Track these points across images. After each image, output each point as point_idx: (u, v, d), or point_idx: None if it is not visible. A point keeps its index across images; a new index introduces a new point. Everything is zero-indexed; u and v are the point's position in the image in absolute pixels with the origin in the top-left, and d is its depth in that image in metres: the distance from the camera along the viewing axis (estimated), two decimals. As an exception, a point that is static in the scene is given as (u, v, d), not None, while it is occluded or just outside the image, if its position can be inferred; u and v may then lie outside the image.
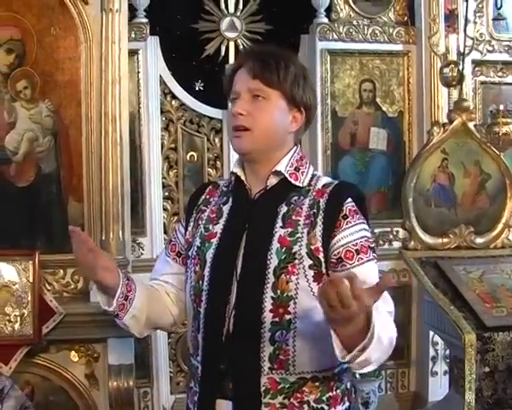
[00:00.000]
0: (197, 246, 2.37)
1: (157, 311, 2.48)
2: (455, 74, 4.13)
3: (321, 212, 2.25)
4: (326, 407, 2.25)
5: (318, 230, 2.22)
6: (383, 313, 2.09)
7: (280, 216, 2.27)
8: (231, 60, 5.32)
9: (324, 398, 2.25)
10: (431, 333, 5.18)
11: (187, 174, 5.35)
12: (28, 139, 4.05)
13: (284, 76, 2.31)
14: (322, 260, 2.21)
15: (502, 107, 3.98)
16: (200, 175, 5.35)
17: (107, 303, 2.34)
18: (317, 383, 2.24)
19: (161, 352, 5.21)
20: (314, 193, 2.31)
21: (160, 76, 5.21)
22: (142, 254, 5.08)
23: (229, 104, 2.42)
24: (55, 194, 4.11)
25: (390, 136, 5.44)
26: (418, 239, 4.16)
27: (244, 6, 5.41)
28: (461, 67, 4.11)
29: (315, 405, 2.23)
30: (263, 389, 2.20)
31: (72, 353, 4.10)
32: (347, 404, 2.35)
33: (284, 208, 2.29)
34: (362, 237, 2.24)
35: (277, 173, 2.34)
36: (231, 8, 5.40)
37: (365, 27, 5.34)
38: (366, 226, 2.29)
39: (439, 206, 4.24)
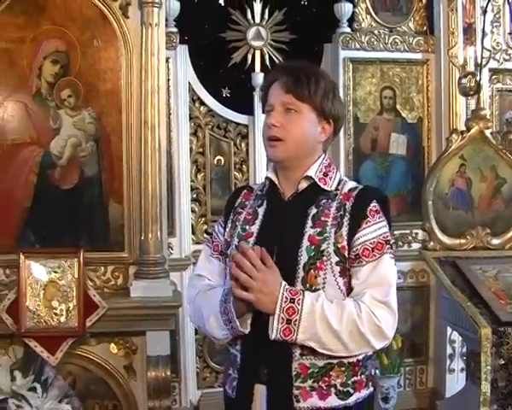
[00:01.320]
0: (235, 245, 2.56)
1: None
2: (472, 85, 4.33)
3: (347, 213, 2.46)
4: (352, 391, 2.45)
5: (344, 230, 2.44)
6: (354, 301, 2.37)
7: (310, 217, 2.48)
8: (257, 68, 5.55)
9: (350, 382, 2.45)
10: (448, 331, 5.38)
11: (214, 178, 5.58)
12: (72, 145, 4.28)
13: (315, 91, 2.50)
14: (347, 257, 2.43)
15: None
16: (226, 178, 5.57)
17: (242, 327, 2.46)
18: (343, 369, 2.43)
19: (189, 348, 5.42)
20: (341, 196, 2.52)
21: (189, 83, 5.43)
22: (171, 253, 5.23)
23: (265, 115, 2.62)
24: (97, 196, 4.33)
25: (409, 141, 5.65)
26: (437, 240, 4.36)
27: (270, 16, 5.62)
28: (478, 78, 4.31)
29: (341, 388, 2.44)
30: (294, 373, 2.41)
31: (112, 345, 4.33)
32: (371, 389, 2.56)
33: (314, 210, 2.50)
34: (379, 235, 2.46)
35: (308, 178, 2.55)
36: (257, 18, 5.61)
37: (386, 37, 5.55)
38: (386, 224, 2.50)
39: (457, 208, 4.44)
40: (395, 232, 5.59)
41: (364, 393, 2.51)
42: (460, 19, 4.64)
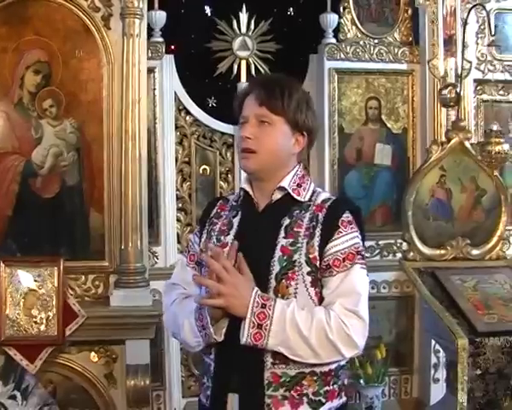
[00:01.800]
0: (210, 255, 2.57)
1: None
2: (453, 96, 4.36)
3: (319, 224, 2.48)
4: (323, 400, 2.47)
5: (316, 240, 2.46)
6: (325, 309, 2.40)
7: (283, 228, 2.51)
8: (243, 78, 5.56)
9: (322, 391, 2.47)
10: (433, 341, 5.40)
11: (199, 187, 5.57)
12: (53, 154, 4.33)
13: (288, 103, 2.53)
14: (318, 267, 2.45)
15: (495, 127, 4.19)
16: (212, 188, 5.57)
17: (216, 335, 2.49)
18: (315, 378, 2.45)
19: (173, 357, 5.40)
20: (314, 207, 2.54)
21: (175, 93, 5.43)
22: (156, 262, 5.27)
23: (239, 127, 2.64)
24: (78, 205, 4.37)
25: (394, 151, 5.65)
26: (417, 250, 4.38)
27: (256, 26, 5.63)
28: (458, 89, 4.34)
29: (313, 397, 2.45)
30: (266, 382, 2.42)
31: (92, 354, 4.37)
32: (344, 399, 2.58)
33: (287, 221, 2.52)
34: (351, 245, 2.47)
35: (281, 189, 2.57)
36: (243, 29, 5.62)
37: (371, 47, 5.56)
38: (358, 235, 2.52)
39: (437, 219, 4.46)
40: (380, 242, 5.63)
41: (337, 403, 2.53)
42: (440, 30, 4.67)
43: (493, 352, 3.88)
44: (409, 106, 5.66)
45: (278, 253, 2.46)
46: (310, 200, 2.58)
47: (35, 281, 4.14)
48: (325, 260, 2.44)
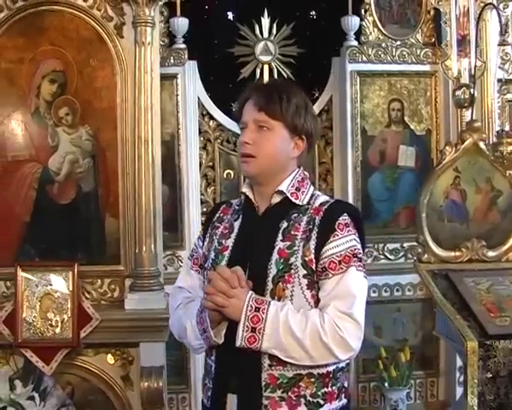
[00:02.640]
0: (212, 258, 2.65)
1: None
2: (467, 96, 4.32)
3: (315, 227, 2.52)
4: (322, 402, 2.50)
5: (312, 243, 2.49)
6: (319, 312, 2.43)
7: (281, 231, 2.55)
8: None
9: (320, 393, 2.50)
10: (459, 343, 5.36)
11: (224, 191, 5.64)
12: (69, 161, 4.43)
13: (286, 108, 2.57)
14: (315, 270, 2.49)
15: (507, 127, 4.14)
16: (236, 192, 5.54)
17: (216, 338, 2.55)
18: (313, 379, 2.48)
19: (198, 359, 5.41)
20: (312, 211, 2.58)
21: (198, 98, 5.52)
22: (180, 266, 5.31)
23: (240, 132, 2.70)
24: (94, 210, 4.46)
25: (418, 153, 5.62)
26: (431, 252, 4.34)
27: (278, 30, 5.68)
28: (472, 90, 4.30)
29: (311, 399, 2.48)
30: (263, 383, 2.46)
31: (109, 356, 4.45)
32: (344, 401, 2.60)
33: (285, 224, 2.56)
34: (347, 248, 2.50)
35: (280, 193, 2.61)
36: (265, 33, 5.68)
37: (393, 49, 5.54)
38: (355, 238, 2.54)
39: (452, 221, 4.40)
40: (404, 245, 5.60)
41: (336, 405, 2.55)
42: (454, 31, 4.63)
43: (504, 355, 3.82)
44: (432, 107, 5.62)
45: (275, 256, 2.50)
46: (308, 203, 2.61)
47: (50, 285, 4.23)
48: (321, 262, 2.47)
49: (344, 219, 2.54)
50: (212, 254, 2.65)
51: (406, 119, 5.61)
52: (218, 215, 2.77)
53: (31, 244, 4.43)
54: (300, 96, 2.66)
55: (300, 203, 2.60)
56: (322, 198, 2.65)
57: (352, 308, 2.44)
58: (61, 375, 4.39)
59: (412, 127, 5.63)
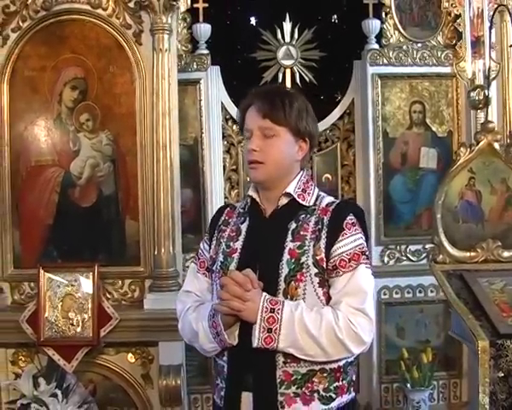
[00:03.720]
0: (220, 261, 2.71)
1: None
2: (481, 98, 4.32)
3: (325, 227, 2.61)
4: (334, 396, 2.59)
5: (322, 243, 2.58)
6: (332, 309, 2.51)
7: (290, 231, 2.63)
8: (288, 86, 5.65)
9: (332, 387, 2.59)
10: (483, 345, 5.34)
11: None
12: (90, 165, 4.56)
13: (289, 113, 2.65)
14: (325, 268, 2.58)
15: (521, 128, 4.15)
16: (259, 194, 5.69)
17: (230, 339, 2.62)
18: (325, 374, 2.57)
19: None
20: (319, 211, 2.66)
21: (222, 103, 5.60)
22: (203, 267, 5.41)
23: (244, 139, 2.80)
24: (114, 213, 4.58)
25: (440, 155, 5.61)
26: (446, 253, 4.35)
27: (299, 35, 5.74)
28: (487, 91, 4.30)
29: (324, 393, 2.57)
30: (278, 380, 2.54)
31: (130, 355, 4.57)
32: (353, 394, 2.69)
33: (293, 225, 2.64)
34: (356, 246, 2.60)
35: (287, 195, 2.69)
36: (287, 38, 5.73)
37: (414, 51, 5.55)
38: (362, 236, 2.64)
39: (467, 222, 4.41)
40: (426, 246, 5.60)
41: (346, 398, 2.65)
42: (468, 32, 4.64)
43: (516, 354, 3.85)
44: (453, 109, 5.62)
45: (286, 256, 2.58)
46: (315, 204, 2.69)
47: (72, 285, 4.36)
48: (331, 261, 2.56)
49: (351, 218, 2.63)
50: (221, 257, 2.72)
51: (428, 121, 5.62)
52: (223, 218, 2.84)
53: (53, 246, 4.56)
54: (301, 100, 2.73)
55: (307, 204, 2.68)
56: (328, 199, 2.74)
57: (364, 304, 2.54)
58: (84, 373, 4.51)
59: (434, 129, 5.63)
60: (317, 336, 2.47)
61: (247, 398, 2.59)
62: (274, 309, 2.48)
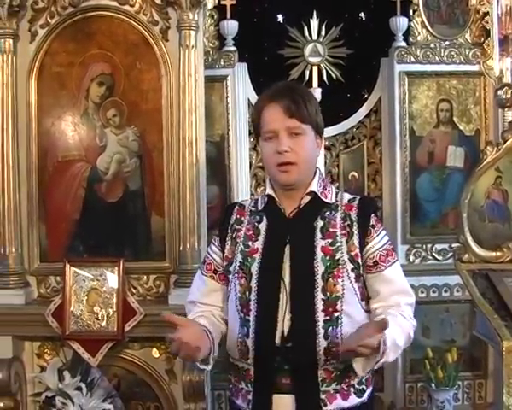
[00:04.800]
0: (240, 261, 2.69)
1: (219, 339, 2.78)
2: (509, 96, 4.30)
3: (354, 223, 2.65)
4: (365, 388, 2.67)
5: (355, 238, 2.63)
6: (399, 313, 2.62)
7: (318, 229, 2.64)
8: (315, 83, 5.64)
9: (363, 380, 2.67)
10: (508, 345, 5.30)
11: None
12: (117, 161, 4.58)
13: (311, 109, 2.66)
14: (360, 263, 2.63)
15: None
16: (285, 191, 5.69)
17: (205, 364, 2.66)
18: None
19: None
20: (343, 207, 2.69)
21: (248, 99, 5.58)
22: (227, 263, 5.42)
23: (261, 141, 2.72)
24: (140, 209, 4.59)
25: (467, 153, 5.57)
26: (472, 252, 4.34)
27: (327, 32, 5.70)
28: (515, 90, 4.27)
29: (358, 386, 2.65)
30: (320, 379, 2.58)
31: (154, 350, 4.60)
32: (372, 386, 2.76)
33: (320, 223, 2.66)
34: (387, 242, 2.70)
35: (310, 193, 2.70)
36: (314, 35, 5.70)
37: (442, 49, 5.50)
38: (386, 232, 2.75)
39: (493, 221, 4.40)
40: (453, 245, 5.56)
41: (371, 389, 2.73)
42: (495, 30, 4.60)
43: (540, 355, 3.82)
44: (481, 107, 5.56)
45: (320, 253, 2.60)
46: (336, 200, 2.72)
47: (97, 280, 4.39)
48: (371, 256, 2.65)
49: (375, 214, 2.73)
50: (240, 257, 2.70)
51: (455, 119, 5.58)
52: (234, 217, 2.81)
53: (80, 241, 4.59)
54: (312, 95, 2.77)
55: (329, 201, 2.71)
56: (346, 194, 2.79)
57: (412, 298, 2.73)
58: (108, 367, 4.56)
59: (461, 128, 5.58)
60: (401, 347, 2.60)
61: (280, 400, 2.59)
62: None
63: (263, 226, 2.72)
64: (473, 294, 4.17)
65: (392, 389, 5.59)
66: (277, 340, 2.56)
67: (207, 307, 2.82)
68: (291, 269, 2.59)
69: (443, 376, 5.34)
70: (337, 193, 2.76)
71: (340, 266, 2.58)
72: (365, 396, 2.67)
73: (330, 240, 2.61)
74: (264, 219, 2.73)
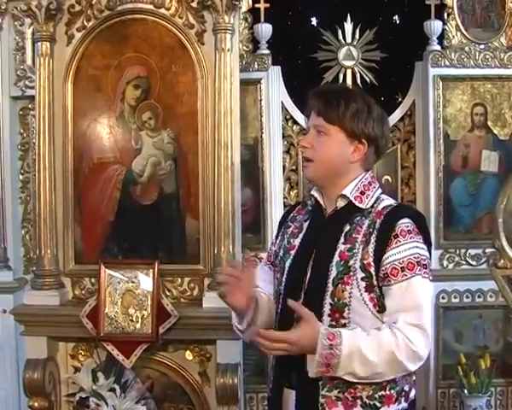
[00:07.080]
0: (280, 256, 2.80)
1: (270, 320, 2.81)
2: (546, 101, 4.27)
3: (375, 231, 2.58)
4: (378, 404, 2.56)
5: (371, 247, 2.56)
6: (388, 329, 2.48)
7: (343, 234, 2.63)
8: (350, 86, 5.63)
9: (377, 396, 2.56)
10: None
11: (307, 194, 5.61)
12: (152, 163, 4.59)
13: (344, 112, 2.65)
14: (373, 273, 2.55)
15: None
16: (319, 195, 5.67)
17: (238, 322, 2.75)
18: (369, 382, 2.54)
19: (279, 359, 5.55)
20: (374, 214, 2.64)
21: (282, 103, 5.59)
22: (264, 266, 5.42)
23: None
24: (175, 211, 4.60)
25: (502, 158, 5.52)
26: (508, 258, 4.33)
27: (360, 36, 5.70)
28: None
29: (367, 401, 2.55)
30: (321, 382, 2.55)
31: (188, 352, 4.60)
32: (404, 405, 2.63)
33: (347, 227, 2.64)
34: (410, 255, 2.54)
35: (344, 197, 2.70)
36: (348, 38, 5.70)
37: (476, 53, 5.45)
38: (419, 245, 2.58)
39: (529, 227, 4.39)
40: (487, 250, 5.52)
41: (394, 408, 2.60)
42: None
43: None
44: (516, 111, 5.53)
45: (336, 258, 2.59)
46: (372, 206, 2.67)
47: (132, 282, 4.41)
48: (383, 268, 2.54)
49: (406, 224, 2.58)
50: (281, 252, 2.80)
51: (489, 123, 5.53)
52: (292, 215, 2.91)
53: (114, 243, 4.61)
54: (362, 101, 2.72)
55: (364, 207, 2.67)
56: (387, 202, 2.71)
57: (421, 319, 2.51)
58: (142, 369, 4.57)
59: (495, 132, 5.53)
60: (376, 363, 2.45)
61: (288, 395, 2.65)
62: (332, 345, 2.43)
63: (306, 225, 2.79)
64: (508, 299, 4.16)
65: (424, 395, 5.55)
66: None
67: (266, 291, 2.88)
68: (311, 270, 2.63)
69: (476, 382, 5.31)
70: (377, 199, 2.71)
71: (351, 273, 2.54)
72: None
73: (349, 246, 2.58)
74: (310, 218, 2.80)
